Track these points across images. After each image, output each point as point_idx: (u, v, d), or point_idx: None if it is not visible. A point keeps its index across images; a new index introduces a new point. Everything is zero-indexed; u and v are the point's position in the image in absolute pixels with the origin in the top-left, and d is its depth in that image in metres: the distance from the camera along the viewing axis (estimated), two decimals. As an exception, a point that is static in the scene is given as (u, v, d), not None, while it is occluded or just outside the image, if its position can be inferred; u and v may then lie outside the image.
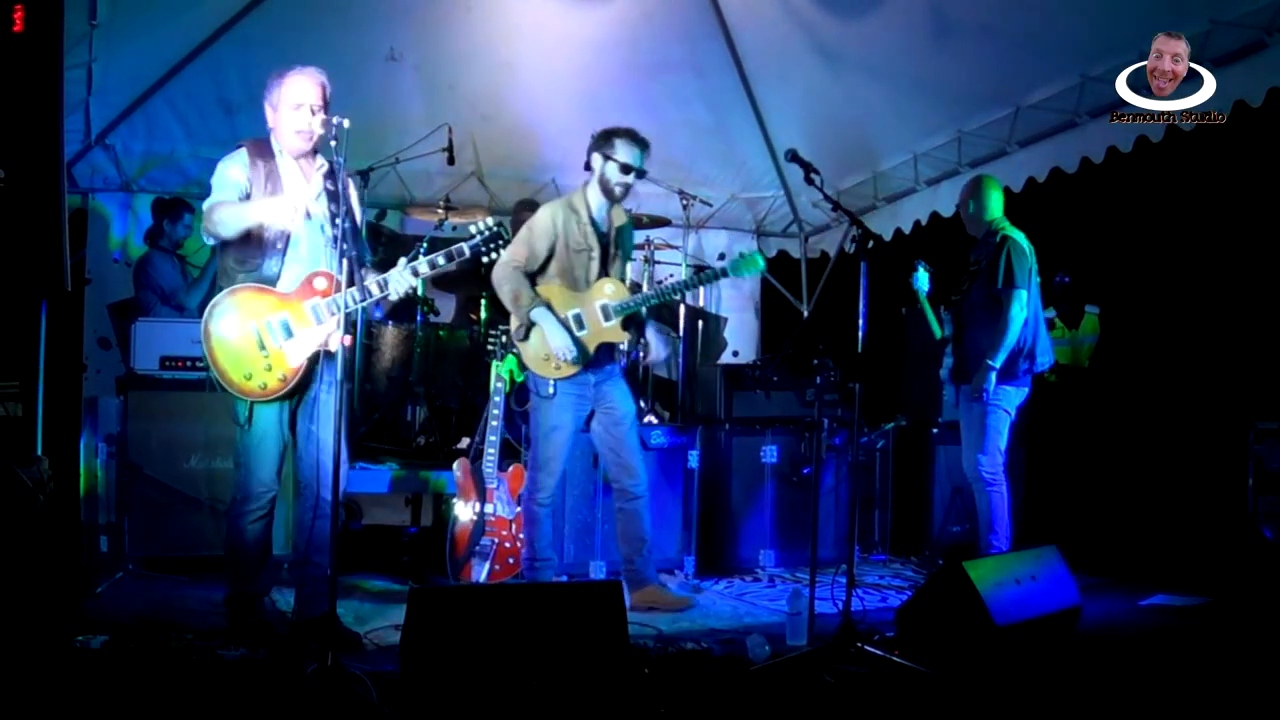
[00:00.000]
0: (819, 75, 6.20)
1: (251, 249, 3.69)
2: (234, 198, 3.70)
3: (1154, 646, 4.10)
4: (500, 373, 4.94)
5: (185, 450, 4.92)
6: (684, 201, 6.07)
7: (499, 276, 4.53)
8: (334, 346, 3.60)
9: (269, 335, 3.65)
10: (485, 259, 3.79)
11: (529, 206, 6.87)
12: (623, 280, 4.68)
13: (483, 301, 6.09)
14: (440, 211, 6.37)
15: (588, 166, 4.60)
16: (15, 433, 4.41)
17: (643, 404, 5.78)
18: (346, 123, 3.45)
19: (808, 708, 3.34)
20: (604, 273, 4.59)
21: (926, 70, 5.77)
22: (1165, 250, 6.81)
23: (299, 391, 3.76)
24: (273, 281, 3.70)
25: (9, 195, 3.89)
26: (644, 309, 4.65)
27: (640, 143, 4.52)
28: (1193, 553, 5.42)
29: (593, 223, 4.55)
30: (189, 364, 4.98)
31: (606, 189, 4.52)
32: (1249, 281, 6.32)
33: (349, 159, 3.55)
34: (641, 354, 5.48)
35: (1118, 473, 6.05)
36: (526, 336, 4.52)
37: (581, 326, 4.52)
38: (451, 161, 6.23)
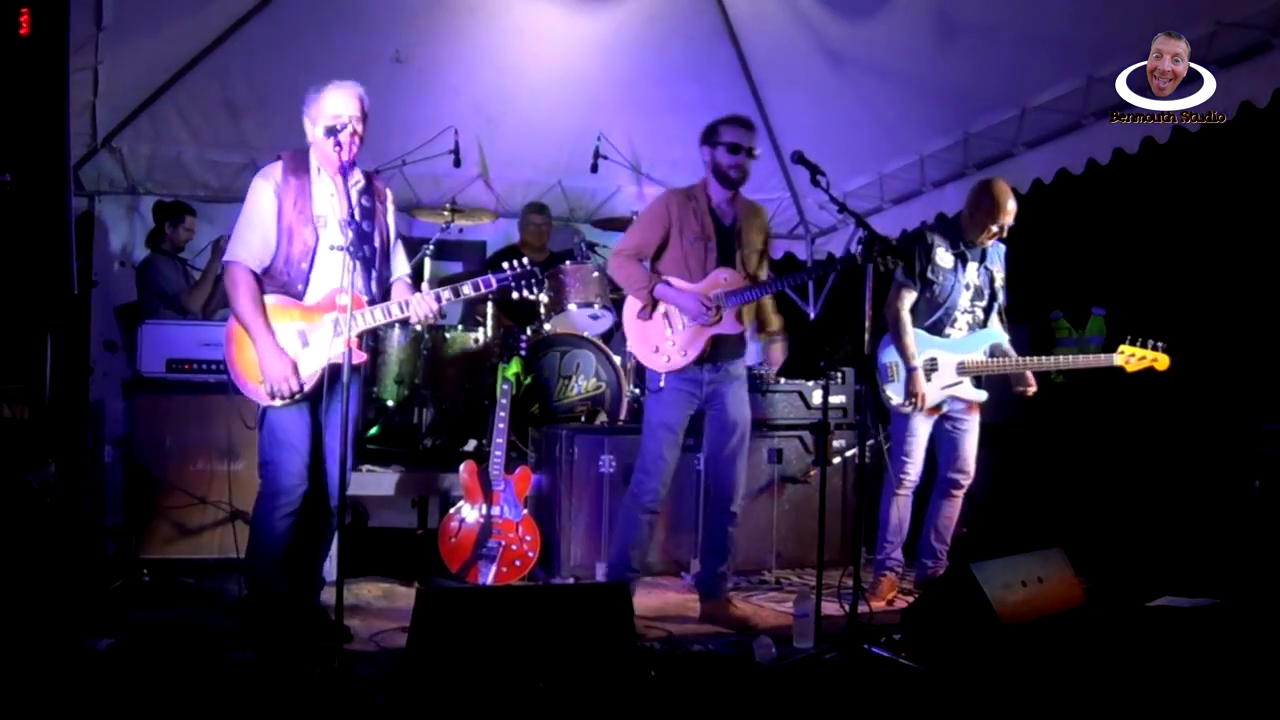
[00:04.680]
0: (825, 77, 6.19)
1: (277, 267, 3.75)
2: (260, 237, 3.72)
3: (1160, 648, 4.09)
4: (506, 375, 4.94)
5: (191, 453, 4.93)
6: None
7: (613, 267, 4.50)
8: (355, 360, 3.59)
9: (286, 342, 3.72)
10: (515, 295, 3.82)
11: (536, 209, 6.92)
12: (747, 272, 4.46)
13: (489, 304, 6.10)
14: (447, 214, 6.37)
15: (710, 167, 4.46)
16: (22, 436, 4.41)
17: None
18: None
19: (815, 710, 3.34)
20: (724, 264, 4.43)
21: (932, 72, 5.76)
22: (1172, 252, 6.79)
23: (316, 397, 3.79)
24: (298, 297, 3.77)
25: (16, 198, 3.90)
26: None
27: (743, 123, 4.41)
28: (1199, 555, 5.41)
29: (712, 212, 4.42)
30: (195, 366, 4.99)
31: (721, 174, 4.39)
32: (1255, 283, 6.30)
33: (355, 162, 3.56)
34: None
35: (1123, 474, 6.04)
36: (650, 317, 4.38)
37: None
38: (457, 164, 6.24)
